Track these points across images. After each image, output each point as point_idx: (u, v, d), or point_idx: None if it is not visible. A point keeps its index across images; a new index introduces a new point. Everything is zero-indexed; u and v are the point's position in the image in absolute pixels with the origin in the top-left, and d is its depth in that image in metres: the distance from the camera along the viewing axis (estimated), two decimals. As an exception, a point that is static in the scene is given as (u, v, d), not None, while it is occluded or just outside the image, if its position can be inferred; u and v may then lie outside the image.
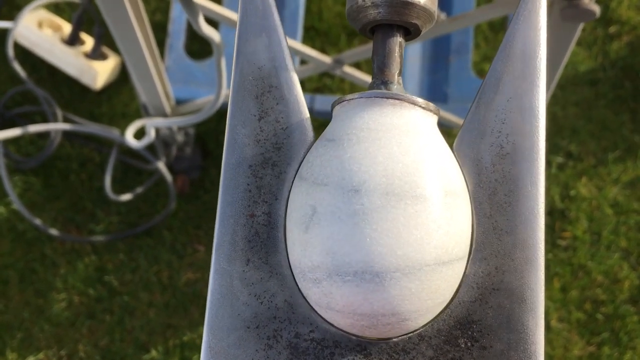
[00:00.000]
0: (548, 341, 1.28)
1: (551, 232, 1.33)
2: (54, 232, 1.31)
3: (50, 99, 1.35)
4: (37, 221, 1.31)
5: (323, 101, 1.15)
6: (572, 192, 1.34)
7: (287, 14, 1.23)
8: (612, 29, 1.42)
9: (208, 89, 1.18)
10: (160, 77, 1.00)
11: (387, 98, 0.28)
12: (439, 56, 1.19)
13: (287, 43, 0.30)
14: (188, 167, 1.33)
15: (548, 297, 1.30)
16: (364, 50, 0.89)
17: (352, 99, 0.28)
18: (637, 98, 1.38)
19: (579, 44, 1.42)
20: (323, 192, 0.26)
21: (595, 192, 1.34)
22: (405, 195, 0.26)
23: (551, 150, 1.36)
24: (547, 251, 1.31)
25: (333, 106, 0.30)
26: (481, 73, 1.41)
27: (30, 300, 1.31)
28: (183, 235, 1.34)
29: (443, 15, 1.18)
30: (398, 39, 0.30)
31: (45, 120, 1.36)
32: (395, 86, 0.29)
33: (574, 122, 1.38)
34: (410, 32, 0.30)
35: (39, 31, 1.34)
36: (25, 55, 1.38)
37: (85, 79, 1.34)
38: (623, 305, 1.29)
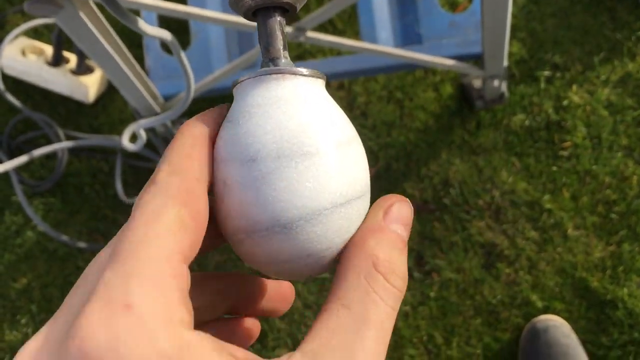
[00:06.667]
0: (568, 249, 1.31)
1: (551, 145, 1.35)
2: (82, 244, 1.38)
3: (49, 120, 1.40)
4: (64, 237, 1.37)
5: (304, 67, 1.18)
6: (565, 102, 1.35)
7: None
8: None
9: (191, 79, 1.22)
10: (141, 81, 1.04)
11: (270, 74, 0.32)
12: (405, -1, 1.20)
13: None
14: (192, 157, 1.38)
15: (560, 208, 1.32)
16: (323, 11, 0.91)
17: (243, 80, 0.32)
18: (612, -4, 1.38)
19: (544, -46, 1.42)
20: (228, 167, 0.31)
21: (588, 98, 1.36)
22: (294, 155, 0.30)
23: (536, 65, 1.37)
24: (550, 164, 1.34)
25: (232, 88, 0.34)
26: (452, 5, 1.42)
27: (75, 311, 1.38)
28: (202, 222, 1.39)
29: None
30: (277, 19, 0.33)
31: (49, 142, 1.42)
32: (282, 61, 0.33)
33: (554, 33, 1.38)
34: (288, 10, 0.34)
35: (24, 59, 1.39)
36: (16, 84, 1.43)
37: (77, 95, 1.39)
38: (635, 201, 1.31)
